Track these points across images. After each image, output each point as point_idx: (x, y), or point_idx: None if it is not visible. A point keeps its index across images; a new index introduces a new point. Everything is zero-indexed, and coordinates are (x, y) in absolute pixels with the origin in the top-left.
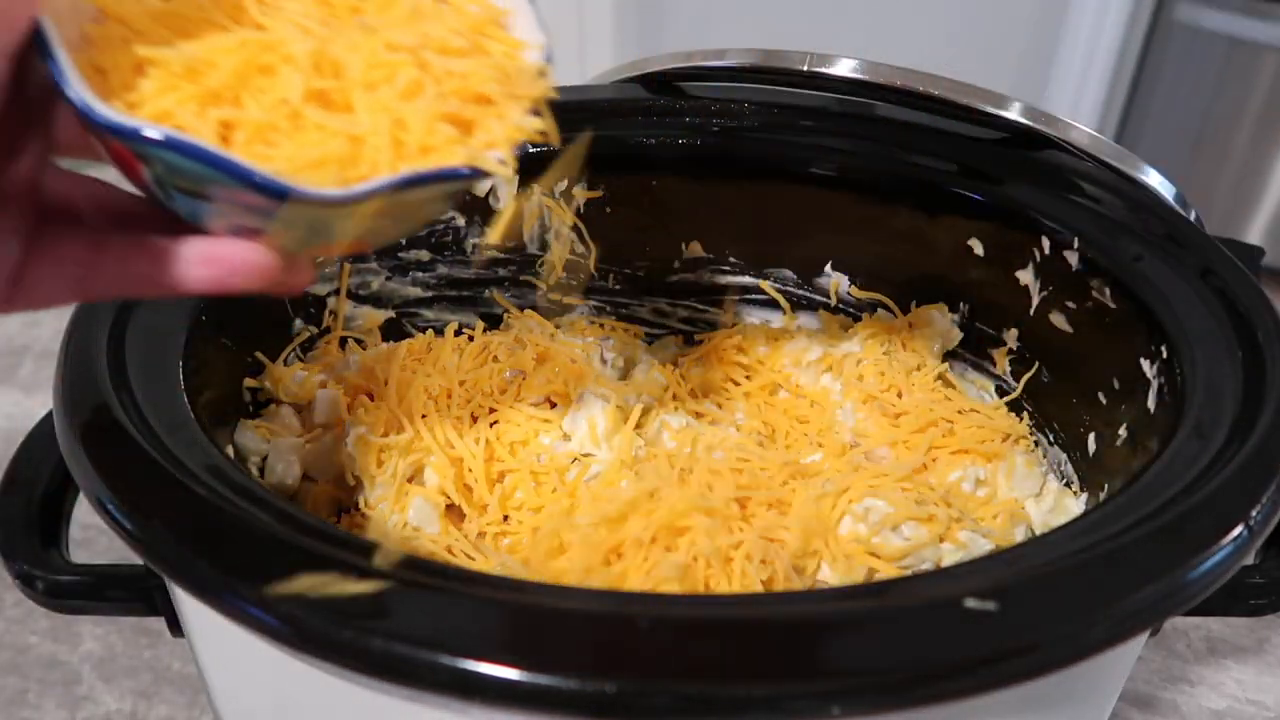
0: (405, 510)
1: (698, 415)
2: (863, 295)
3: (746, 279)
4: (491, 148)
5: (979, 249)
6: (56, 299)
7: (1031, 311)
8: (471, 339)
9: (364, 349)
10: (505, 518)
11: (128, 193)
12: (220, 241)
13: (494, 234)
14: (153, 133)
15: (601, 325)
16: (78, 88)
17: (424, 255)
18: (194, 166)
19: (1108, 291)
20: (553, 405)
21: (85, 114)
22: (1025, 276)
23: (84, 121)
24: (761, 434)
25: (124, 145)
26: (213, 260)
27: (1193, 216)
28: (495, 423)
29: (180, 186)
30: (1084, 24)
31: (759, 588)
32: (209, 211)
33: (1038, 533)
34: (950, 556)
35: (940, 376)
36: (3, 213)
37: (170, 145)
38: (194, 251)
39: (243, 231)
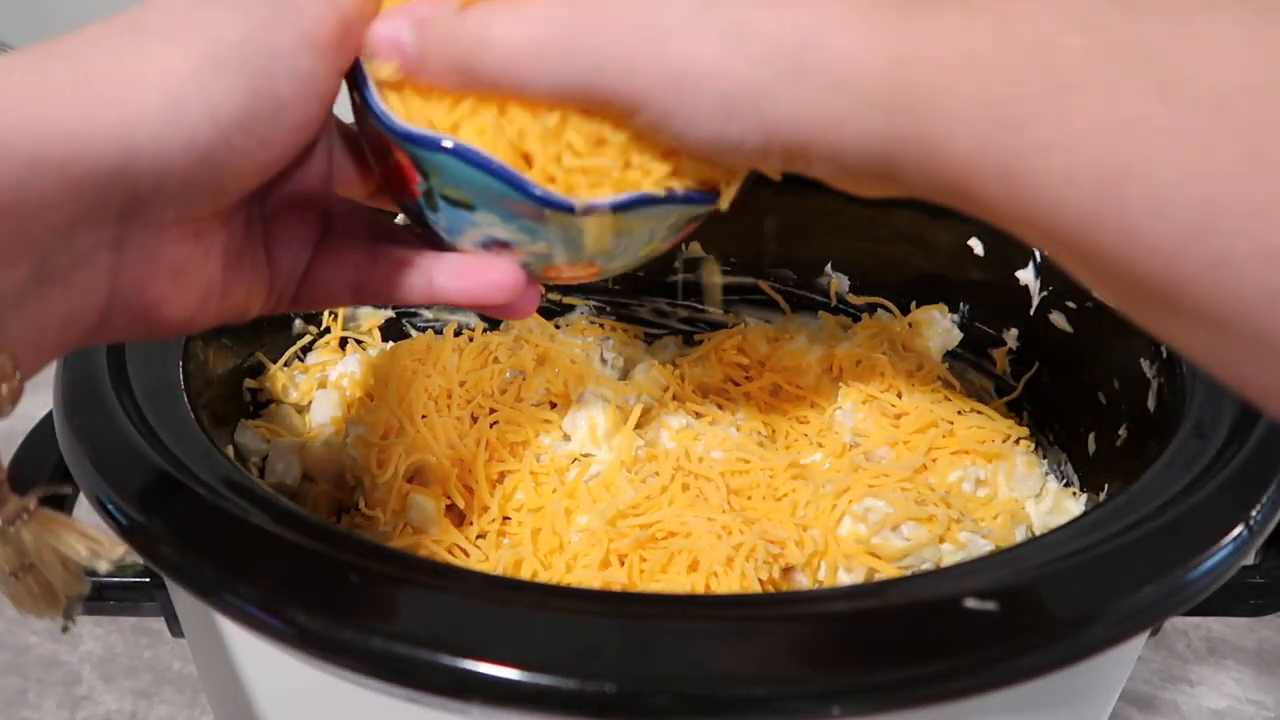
0: (405, 511)
1: (698, 415)
2: (862, 296)
3: (746, 279)
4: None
5: (979, 249)
6: (335, 301)
7: (1031, 311)
8: (471, 339)
9: (364, 349)
10: (505, 518)
11: (388, 216)
12: (474, 258)
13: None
14: (447, 142)
15: (601, 325)
16: (382, 105)
17: None
18: (473, 174)
19: None
20: (553, 405)
21: (386, 125)
22: (1025, 276)
23: (376, 135)
24: (761, 434)
25: (410, 155)
26: (466, 274)
27: None
28: (495, 423)
29: (449, 196)
30: None
31: (759, 588)
32: (468, 223)
33: (1038, 533)
34: (950, 556)
35: (940, 377)
36: (299, 219)
37: (458, 153)
38: (451, 266)
39: (492, 247)
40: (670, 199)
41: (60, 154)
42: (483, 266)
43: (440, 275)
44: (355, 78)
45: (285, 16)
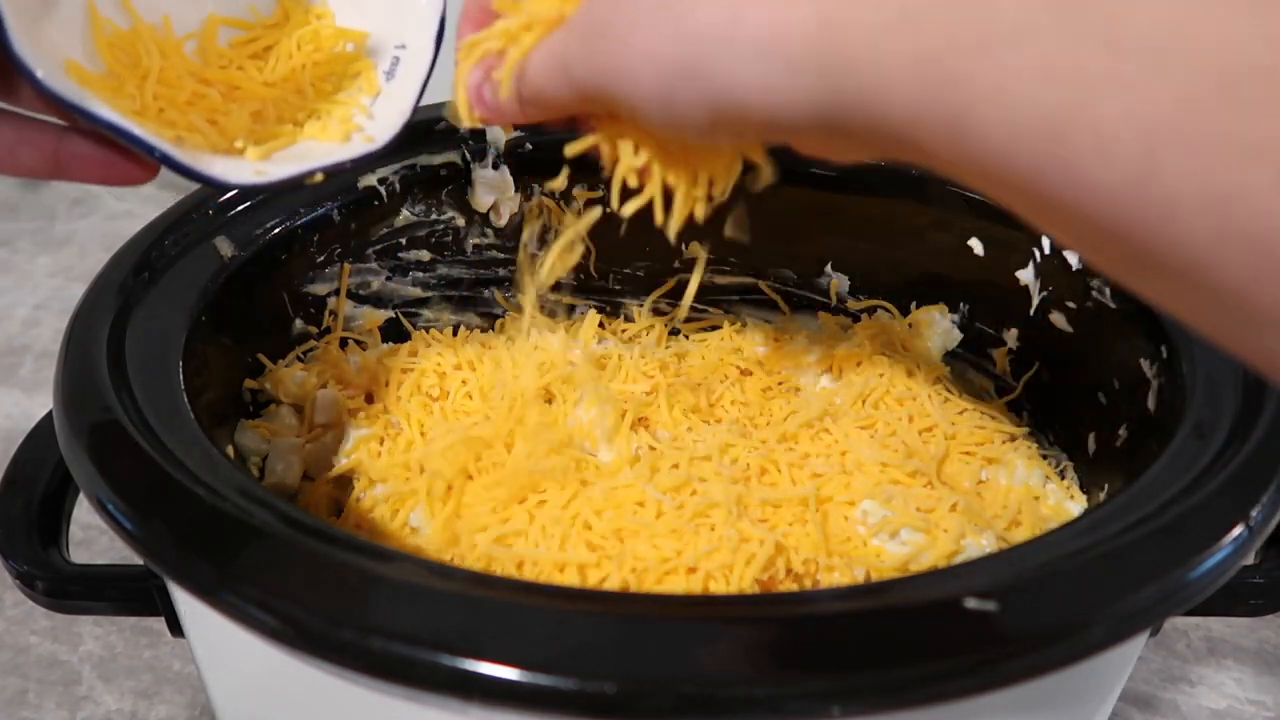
0: (405, 510)
1: (694, 410)
2: (862, 296)
3: (746, 279)
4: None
5: (979, 249)
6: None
7: (1031, 311)
8: (471, 339)
9: (364, 349)
10: (506, 520)
11: None
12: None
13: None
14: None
15: (602, 325)
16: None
17: (424, 255)
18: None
19: (1108, 291)
20: (549, 404)
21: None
22: (1025, 276)
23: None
24: (761, 435)
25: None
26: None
27: None
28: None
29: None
30: None
31: (758, 588)
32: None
33: (1038, 533)
34: (950, 556)
35: (940, 377)
36: None
37: (78, 109)
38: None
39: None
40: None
41: None
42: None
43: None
44: None
45: None
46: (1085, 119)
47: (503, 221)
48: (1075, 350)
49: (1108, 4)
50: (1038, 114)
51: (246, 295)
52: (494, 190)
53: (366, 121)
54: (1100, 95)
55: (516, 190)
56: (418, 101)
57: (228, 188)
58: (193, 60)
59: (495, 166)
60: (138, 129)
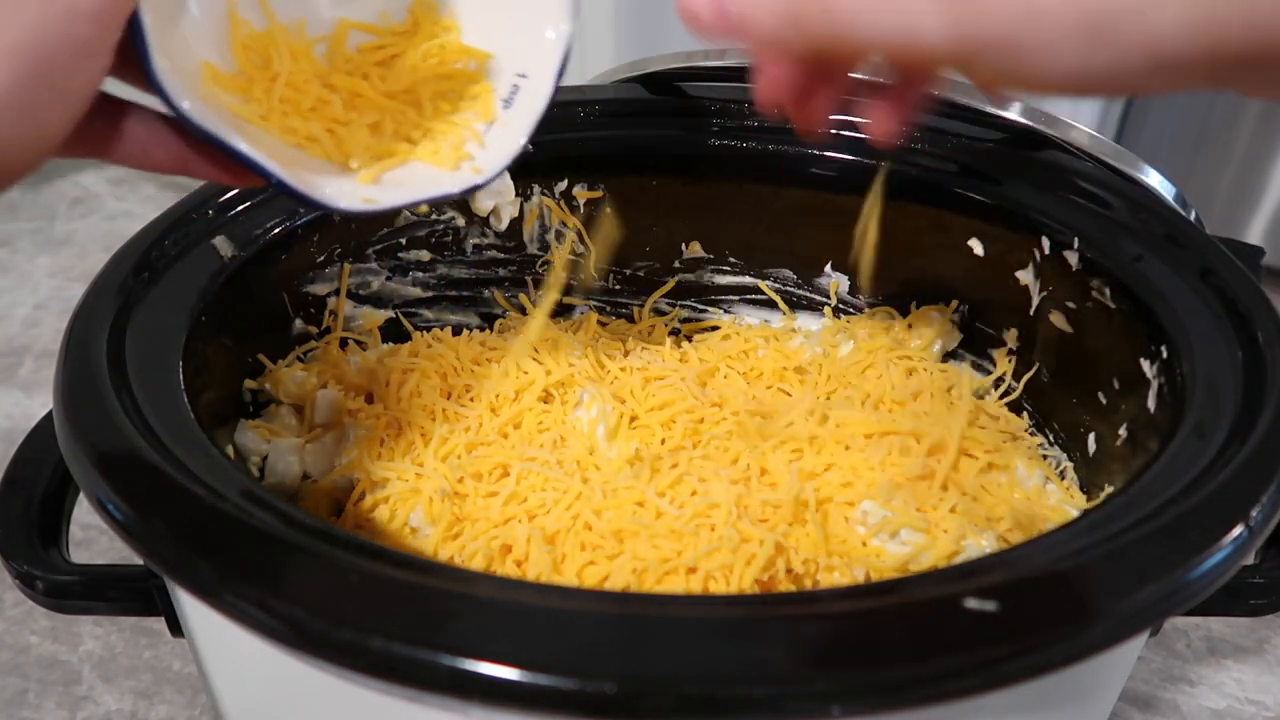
0: (405, 510)
1: (694, 410)
2: (863, 296)
3: (746, 279)
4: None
5: (979, 249)
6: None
7: (1031, 311)
8: (471, 339)
9: (364, 349)
10: (506, 520)
11: None
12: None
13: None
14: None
15: (602, 325)
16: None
17: (424, 255)
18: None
19: (1108, 291)
20: (549, 404)
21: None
22: (1025, 276)
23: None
24: (760, 435)
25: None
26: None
27: (1193, 216)
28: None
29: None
30: None
31: (758, 588)
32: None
33: (1038, 533)
34: (950, 557)
35: (940, 377)
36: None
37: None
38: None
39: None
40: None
41: None
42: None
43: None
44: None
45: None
46: None
47: (503, 225)
48: (1075, 350)
49: None
50: None
51: (246, 295)
52: (494, 195)
53: (478, 150)
54: None
55: (517, 194)
56: (530, 136)
57: (336, 213)
58: (320, 63)
59: None
60: (257, 155)
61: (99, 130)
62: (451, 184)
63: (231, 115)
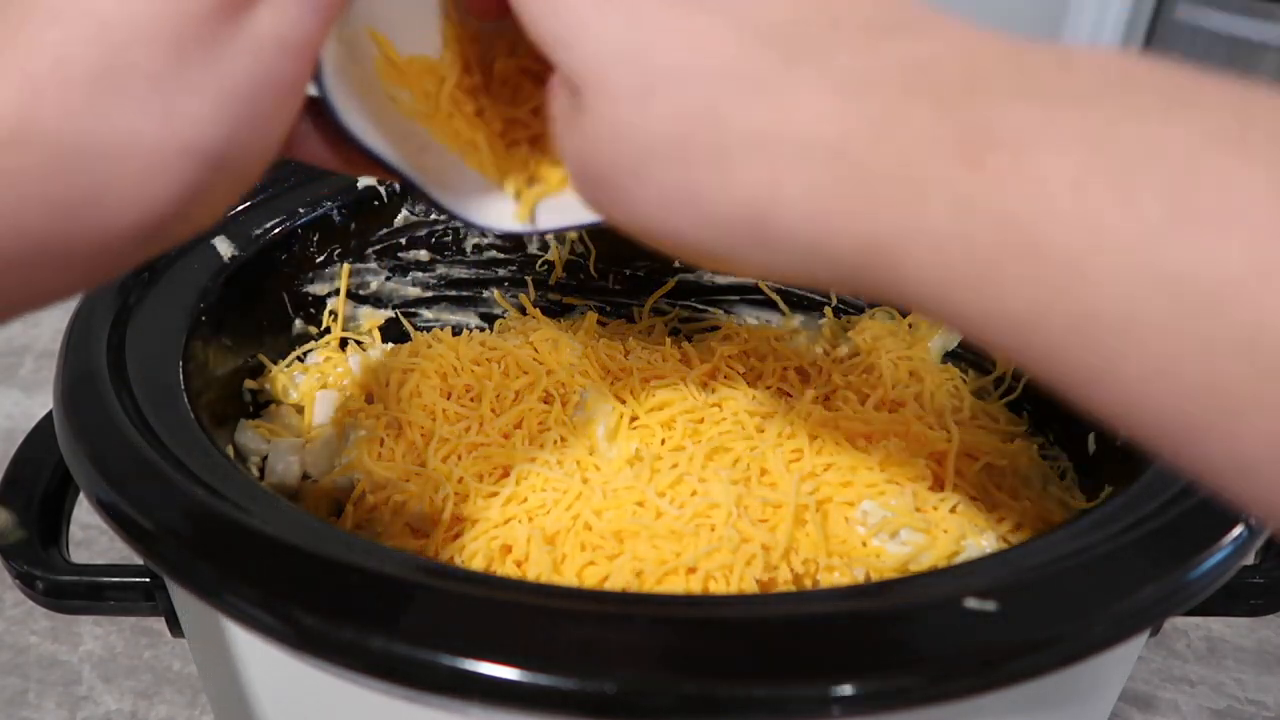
0: (405, 510)
1: (693, 410)
2: (863, 296)
3: (746, 279)
4: None
5: None
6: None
7: None
8: (471, 339)
9: (364, 349)
10: (506, 520)
11: None
12: None
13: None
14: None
15: (602, 325)
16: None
17: (424, 255)
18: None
19: None
20: (549, 404)
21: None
22: None
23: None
24: (760, 435)
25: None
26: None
27: None
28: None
29: None
30: (1084, 24)
31: (758, 588)
32: None
33: (1037, 533)
34: (950, 557)
35: (940, 377)
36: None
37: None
38: None
39: None
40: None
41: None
42: None
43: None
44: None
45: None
46: (1224, 429)
47: None
48: None
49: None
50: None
51: (246, 295)
52: None
53: None
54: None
55: None
56: None
57: (492, 232)
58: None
59: None
60: (413, 174)
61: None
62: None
63: (396, 116)
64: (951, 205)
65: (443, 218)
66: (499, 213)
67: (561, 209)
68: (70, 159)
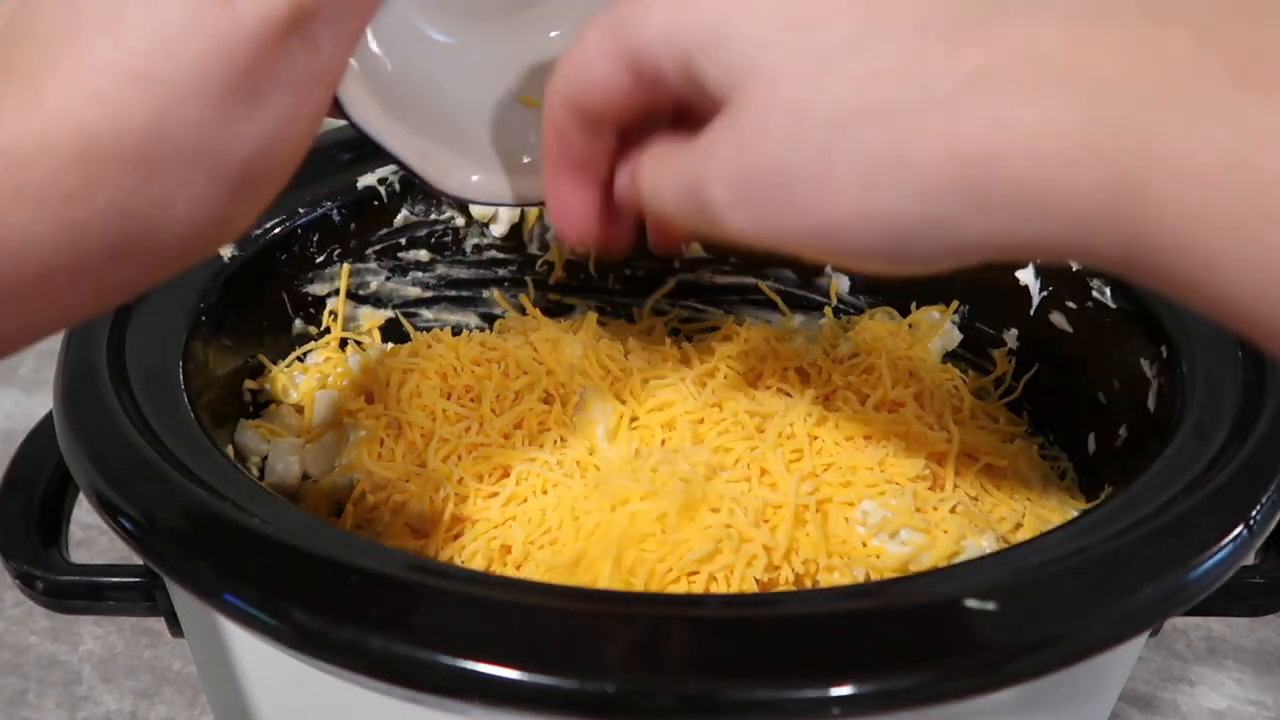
0: (405, 511)
1: (694, 411)
2: (862, 296)
3: (746, 279)
4: None
5: None
6: None
7: (1032, 311)
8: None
9: (364, 349)
10: (506, 520)
11: None
12: None
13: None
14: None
15: (602, 325)
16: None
17: (424, 255)
18: None
19: (1108, 291)
20: (549, 404)
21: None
22: (1025, 276)
23: None
24: (760, 435)
25: None
26: None
27: None
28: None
29: None
30: None
31: (758, 588)
32: None
33: (1038, 533)
34: (950, 557)
35: (939, 377)
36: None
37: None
38: None
39: None
40: None
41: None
42: None
43: None
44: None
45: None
46: None
47: (503, 231)
48: (1075, 350)
49: None
50: None
51: (246, 295)
52: None
53: None
54: None
55: None
56: None
57: (470, 203)
58: None
59: None
60: (394, 147)
61: None
62: None
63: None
64: (1230, 133)
65: (444, 218)
66: (486, 185)
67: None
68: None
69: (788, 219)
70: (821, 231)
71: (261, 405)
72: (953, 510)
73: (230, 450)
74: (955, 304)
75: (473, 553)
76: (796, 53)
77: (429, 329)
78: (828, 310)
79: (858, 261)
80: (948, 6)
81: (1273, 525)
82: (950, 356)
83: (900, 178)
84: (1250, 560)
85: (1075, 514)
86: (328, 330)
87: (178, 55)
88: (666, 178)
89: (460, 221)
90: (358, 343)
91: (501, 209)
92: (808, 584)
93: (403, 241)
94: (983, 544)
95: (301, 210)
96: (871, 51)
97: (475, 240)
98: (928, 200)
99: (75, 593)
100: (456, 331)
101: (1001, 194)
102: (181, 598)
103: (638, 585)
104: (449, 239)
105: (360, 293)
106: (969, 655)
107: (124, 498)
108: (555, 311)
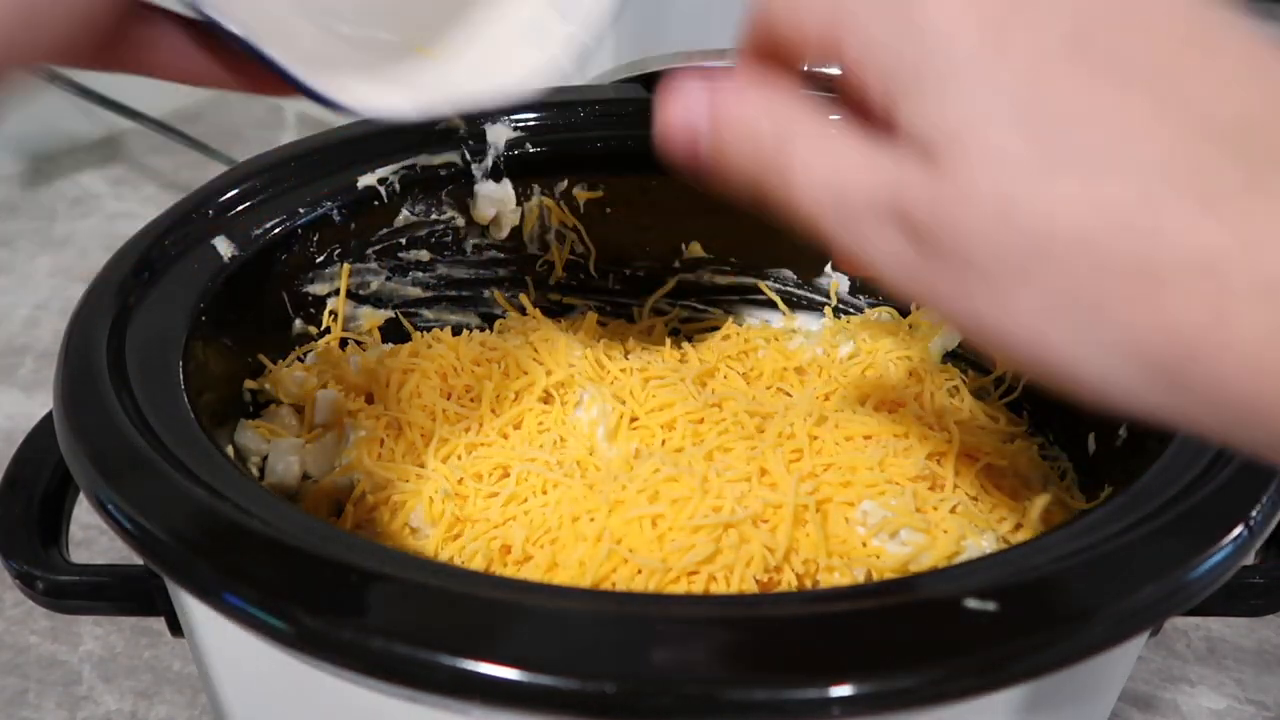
0: (405, 511)
1: (694, 411)
2: (863, 296)
3: (746, 279)
4: None
5: None
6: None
7: None
8: (471, 339)
9: (364, 349)
10: (506, 520)
11: None
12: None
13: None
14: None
15: (602, 325)
16: None
17: (424, 255)
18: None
19: None
20: (549, 404)
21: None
22: None
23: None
24: (760, 435)
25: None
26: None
27: None
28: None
29: None
30: None
31: (758, 588)
32: None
33: (1037, 533)
34: (950, 557)
35: (939, 377)
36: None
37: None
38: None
39: None
40: None
41: None
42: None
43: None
44: None
45: None
46: None
47: (503, 233)
48: None
49: None
50: None
51: (246, 295)
52: (495, 204)
53: (557, 23)
54: None
55: (517, 195)
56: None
57: (368, 117)
58: None
59: (496, 173)
60: (276, 56)
61: (129, 41)
62: (532, 78)
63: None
64: None
65: (444, 218)
66: (382, 94)
67: (483, 68)
68: None
69: (963, 307)
70: (973, 324)
71: (261, 405)
72: (953, 510)
73: (230, 450)
74: None
75: (473, 553)
76: (1024, 142)
77: (429, 329)
78: (828, 310)
79: (997, 352)
80: (1200, 158)
81: (1273, 525)
82: (950, 356)
83: (1089, 336)
84: (1250, 560)
85: (1075, 514)
86: (328, 330)
87: None
88: (819, 167)
89: (460, 221)
90: (358, 342)
91: (503, 214)
92: (808, 584)
93: (403, 241)
94: (983, 544)
95: (301, 210)
96: (1107, 176)
97: (475, 240)
98: (1108, 365)
99: (75, 593)
100: (456, 331)
101: (1199, 386)
102: (182, 598)
103: (637, 585)
104: (449, 239)
105: (360, 293)
106: (969, 655)
107: (124, 498)
108: (555, 311)
